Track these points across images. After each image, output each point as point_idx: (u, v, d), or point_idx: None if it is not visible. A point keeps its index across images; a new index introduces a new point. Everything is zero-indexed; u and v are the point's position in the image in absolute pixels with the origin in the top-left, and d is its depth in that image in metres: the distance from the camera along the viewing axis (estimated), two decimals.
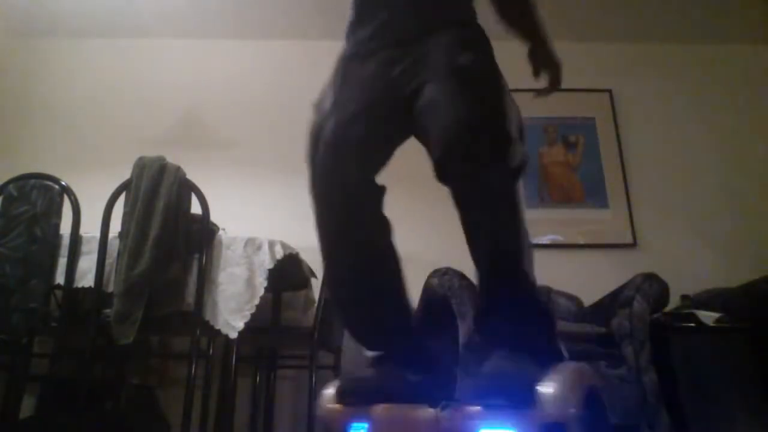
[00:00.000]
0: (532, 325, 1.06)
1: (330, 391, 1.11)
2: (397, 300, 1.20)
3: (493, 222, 1.06)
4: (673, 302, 2.52)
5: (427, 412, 0.97)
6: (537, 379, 0.92)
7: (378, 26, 1.25)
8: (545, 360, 1.00)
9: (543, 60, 1.40)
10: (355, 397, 1.06)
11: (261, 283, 2.00)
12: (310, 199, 1.21)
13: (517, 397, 0.89)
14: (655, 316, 2.28)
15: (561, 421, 0.85)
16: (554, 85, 1.40)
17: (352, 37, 1.32)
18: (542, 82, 1.43)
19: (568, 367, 0.99)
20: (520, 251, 1.07)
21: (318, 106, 1.26)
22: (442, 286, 2.24)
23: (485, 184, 1.05)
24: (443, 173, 1.08)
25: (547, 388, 0.90)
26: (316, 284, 2.65)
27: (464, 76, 1.11)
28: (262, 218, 2.99)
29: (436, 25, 1.22)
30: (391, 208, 1.28)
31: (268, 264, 2.02)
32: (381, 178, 1.25)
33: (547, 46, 1.39)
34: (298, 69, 3.36)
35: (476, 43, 1.22)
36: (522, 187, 1.11)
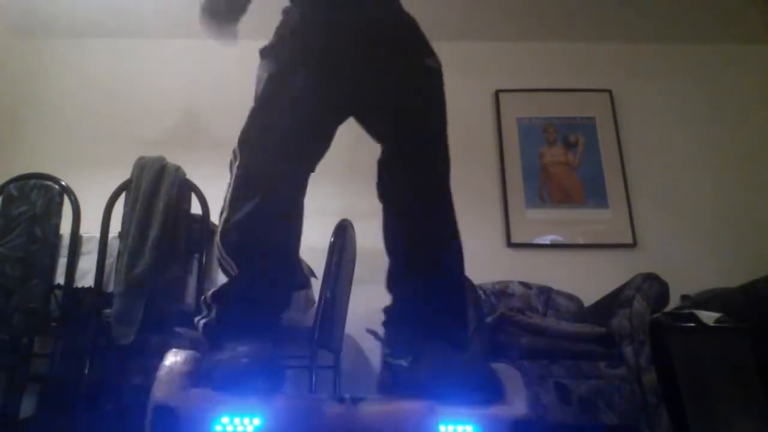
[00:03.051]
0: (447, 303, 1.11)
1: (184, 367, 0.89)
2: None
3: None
4: (673, 302, 2.52)
5: (336, 407, 0.91)
6: (491, 375, 0.94)
7: None
8: (465, 340, 1.06)
9: None
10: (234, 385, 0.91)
11: None
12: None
13: (485, 396, 0.90)
14: (655, 316, 2.28)
15: (527, 418, 0.87)
16: None
17: None
18: None
19: (510, 371, 0.99)
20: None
21: None
22: None
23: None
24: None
25: (511, 388, 0.92)
26: (316, 284, 2.65)
27: None
28: None
29: None
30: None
31: None
32: None
33: None
34: None
35: None
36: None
